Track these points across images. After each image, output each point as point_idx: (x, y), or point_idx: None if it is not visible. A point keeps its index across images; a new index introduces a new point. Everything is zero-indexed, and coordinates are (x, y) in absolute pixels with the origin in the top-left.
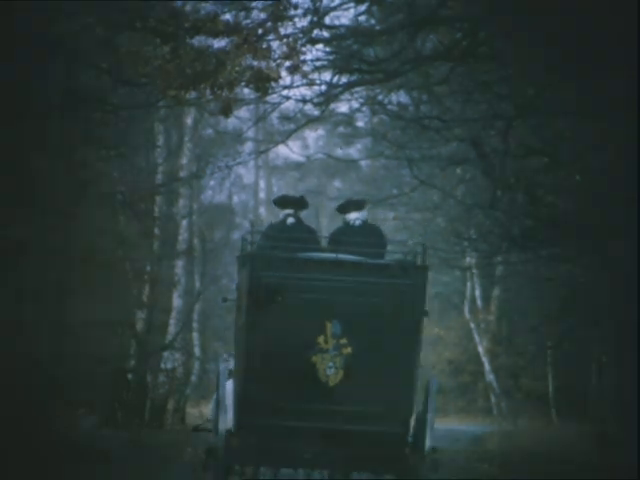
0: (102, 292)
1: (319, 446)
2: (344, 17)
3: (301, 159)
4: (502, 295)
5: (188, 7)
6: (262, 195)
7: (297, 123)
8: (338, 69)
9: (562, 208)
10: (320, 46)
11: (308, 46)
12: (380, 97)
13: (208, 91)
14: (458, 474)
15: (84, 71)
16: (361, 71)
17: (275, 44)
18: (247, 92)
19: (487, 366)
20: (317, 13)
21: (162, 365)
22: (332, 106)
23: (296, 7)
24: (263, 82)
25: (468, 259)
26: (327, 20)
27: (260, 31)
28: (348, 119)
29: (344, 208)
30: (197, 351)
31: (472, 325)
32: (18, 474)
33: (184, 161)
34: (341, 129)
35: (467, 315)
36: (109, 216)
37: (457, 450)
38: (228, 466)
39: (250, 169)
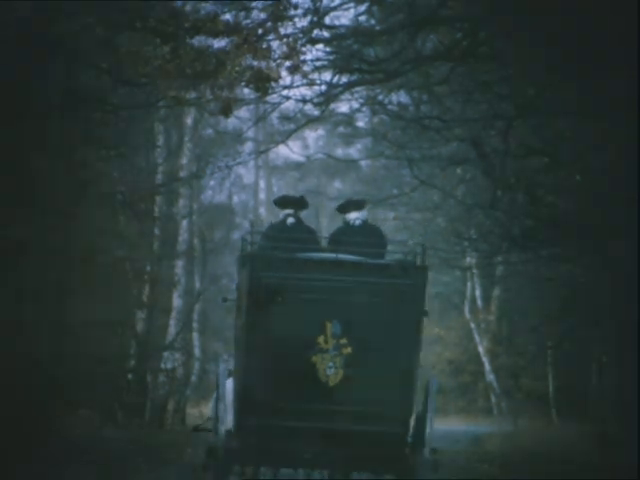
0: (102, 292)
1: (319, 446)
2: (344, 17)
3: (301, 159)
4: (502, 295)
5: (188, 7)
6: (262, 195)
7: (297, 123)
8: (338, 69)
9: (562, 208)
10: (320, 46)
11: (308, 46)
12: (380, 97)
13: (208, 91)
14: (458, 474)
15: (84, 71)
16: (361, 71)
17: (275, 44)
18: (247, 92)
19: (487, 366)
20: (317, 13)
21: (162, 365)
22: (332, 106)
23: (296, 7)
24: (263, 82)
25: (468, 259)
26: (327, 20)
27: (260, 31)
28: (348, 119)
29: (344, 208)
30: (197, 351)
31: (472, 325)
32: (18, 474)
33: (184, 161)
34: (341, 129)
35: (467, 315)
36: (109, 216)
37: (457, 450)
38: (228, 466)
39: (250, 169)
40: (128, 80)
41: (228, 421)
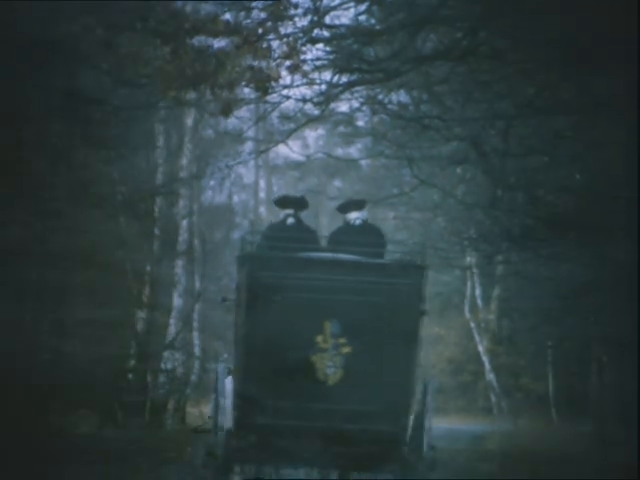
0: (102, 292)
1: (318, 445)
2: (344, 17)
3: (301, 159)
4: (502, 294)
5: (188, 7)
6: (262, 195)
7: (297, 123)
8: (338, 69)
9: (562, 207)
10: (320, 45)
11: (308, 46)
12: (380, 96)
13: (208, 91)
14: (458, 474)
15: (84, 71)
16: (361, 71)
17: (275, 44)
18: (247, 92)
19: (487, 365)
20: (317, 13)
21: (162, 365)
22: (332, 105)
23: (296, 7)
24: (263, 82)
25: (468, 258)
26: (327, 19)
27: (260, 31)
28: (348, 118)
29: (344, 208)
30: (197, 351)
31: (472, 324)
32: (18, 474)
33: (184, 161)
34: (341, 128)
35: (467, 314)
36: (109, 216)
37: (457, 449)
38: (228, 465)
39: (250, 169)
40: (128, 81)
41: (228, 420)
